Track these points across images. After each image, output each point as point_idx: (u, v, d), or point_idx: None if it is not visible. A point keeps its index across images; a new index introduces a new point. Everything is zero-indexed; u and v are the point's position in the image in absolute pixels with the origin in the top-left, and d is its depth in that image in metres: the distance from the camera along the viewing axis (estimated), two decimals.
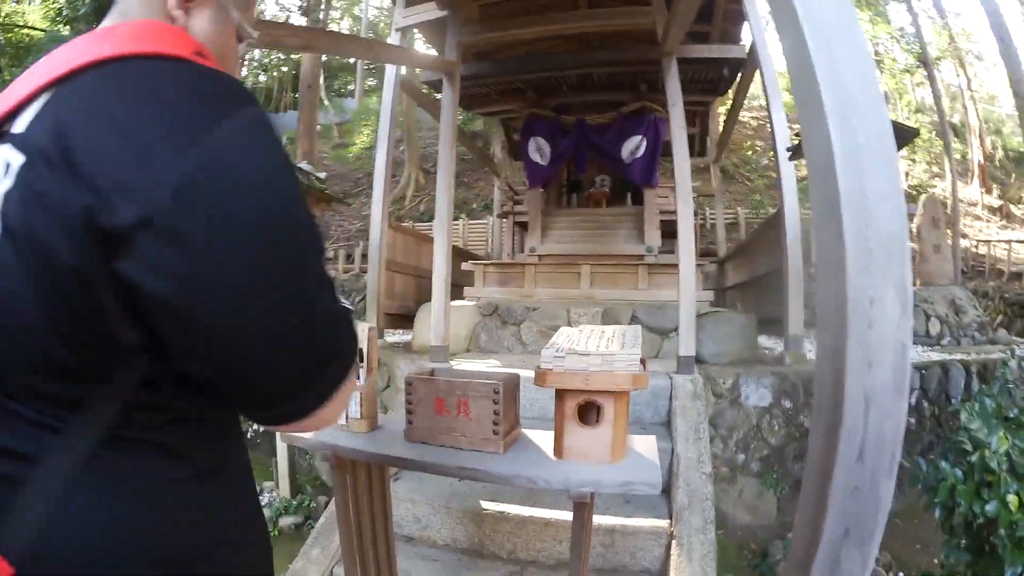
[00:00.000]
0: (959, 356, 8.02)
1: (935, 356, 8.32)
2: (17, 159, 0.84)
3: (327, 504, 5.31)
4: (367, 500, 3.05)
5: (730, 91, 10.71)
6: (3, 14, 23.86)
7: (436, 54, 9.31)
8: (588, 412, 2.36)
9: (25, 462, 0.87)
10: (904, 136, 6.20)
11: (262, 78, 38.70)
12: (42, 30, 23.38)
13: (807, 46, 1.60)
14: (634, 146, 10.11)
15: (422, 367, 3.38)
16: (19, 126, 0.88)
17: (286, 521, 6.24)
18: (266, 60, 35.29)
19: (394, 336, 9.27)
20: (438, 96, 9.43)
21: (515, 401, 2.72)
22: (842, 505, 1.48)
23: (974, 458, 3.85)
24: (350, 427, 2.81)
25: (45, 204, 0.80)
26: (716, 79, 9.83)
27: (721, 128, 13.76)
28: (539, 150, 10.68)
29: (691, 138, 12.45)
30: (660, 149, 10.10)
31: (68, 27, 22.99)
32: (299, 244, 0.90)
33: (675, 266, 6.86)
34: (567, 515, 3.63)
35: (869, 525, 1.49)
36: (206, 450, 1.03)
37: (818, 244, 1.63)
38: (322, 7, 27.75)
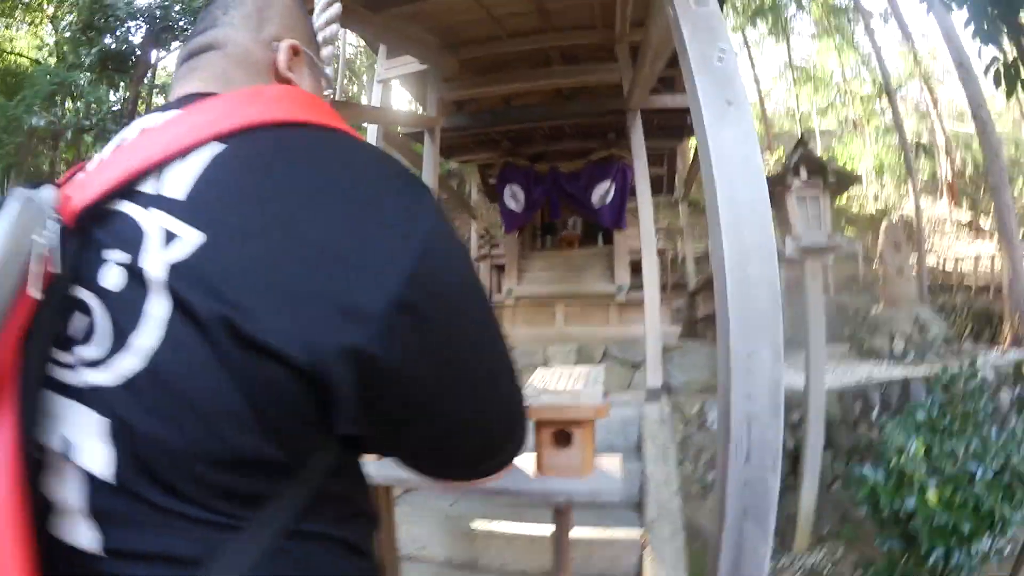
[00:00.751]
0: (922, 372, 8.61)
1: (897, 373, 8.96)
2: (188, 232, 0.72)
3: None
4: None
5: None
6: None
7: (416, 108, 9.91)
8: (561, 438, 2.97)
9: (191, 567, 0.72)
10: (847, 181, 6.82)
11: None
12: (33, 60, 23.72)
13: (713, 174, 2.37)
14: (603, 191, 10.65)
15: None
16: (173, 190, 0.76)
17: None
18: None
19: None
20: (414, 140, 10.08)
21: None
22: (739, 494, 2.20)
23: (894, 463, 4.53)
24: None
25: (251, 285, 0.71)
26: (680, 126, 10.45)
27: (690, 163, 14.35)
28: (514, 197, 11.18)
29: (659, 178, 13.09)
30: (628, 193, 10.57)
31: (57, 60, 23.27)
32: (492, 315, 0.91)
33: (643, 302, 7.48)
34: (549, 530, 4.22)
35: (762, 507, 2.25)
36: (372, 542, 0.95)
37: (717, 316, 2.37)
38: None
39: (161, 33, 18.26)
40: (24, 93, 17.53)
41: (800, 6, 34.60)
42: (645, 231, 7.51)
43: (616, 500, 2.87)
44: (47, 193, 0.76)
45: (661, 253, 11.64)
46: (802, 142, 5.79)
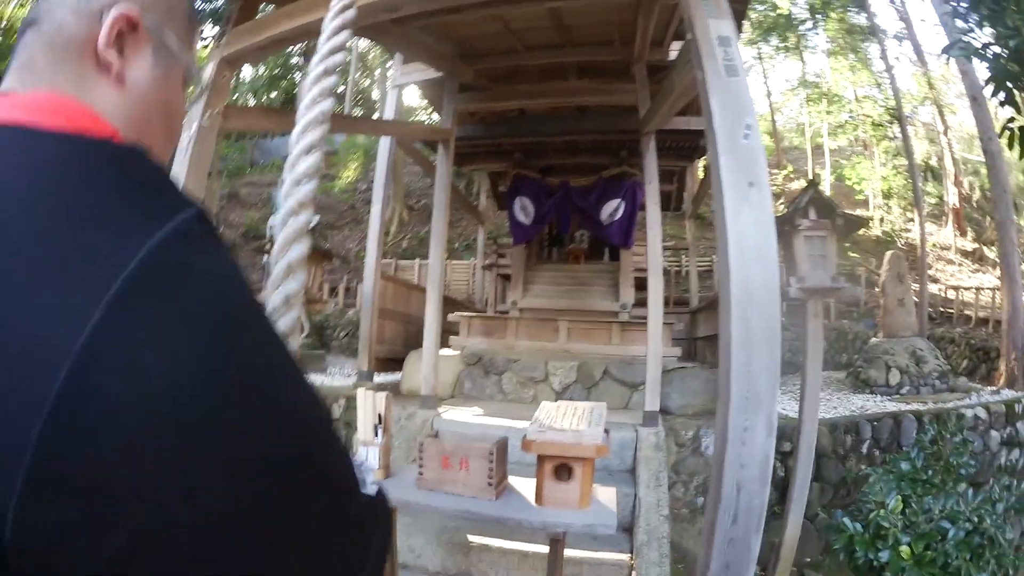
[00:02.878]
0: (914, 406, 8.73)
1: (891, 407, 9.06)
2: None
3: None
4: None
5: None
6: (5, 18, 24.27)
7: (430, 112, 10.03)
8: (562, 471, 3.13)
9: None
10: (854, 224, 6.93)
11: (251, 102, 39.01)
12: None
13: (729, 256, 2.57)
14: (613, 209, 10.75)
15: (424, 421, 4.09)
16: None
17: None
18: (257, 85, 35.67)
19: (380, 377, 9.88)
20: (427, 147, 10.21)
21: (504, 458, 3.48)
22: (723, 550, 2.45)
23: (872, 515, 4.74)
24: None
25: None
26: (693, 147, 10.61)
27: (699, 181, 14.43)
28: (524, 210, 11.27)
29: (668, 195, 13.29)
30: (637, 212, 10.73)
31: None
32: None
33: (645, 323, 7.63)
34: (541, 548, 4.37)
35: (743, 563, 2.46)
36: None
37: (720, 391, 2.58)
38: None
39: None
40: None
41: (815, 23, 34.50)
42: (652, 255, 7.65)
43: (611, 533, 3.03)
44: None
45: (665, 272, 11.72)
46: (812, 184, 5.91)
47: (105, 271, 0.52)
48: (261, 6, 5.85)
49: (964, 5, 6.53)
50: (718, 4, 3.42)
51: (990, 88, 6.62)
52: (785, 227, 5.45)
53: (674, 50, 7.99)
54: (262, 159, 37.27)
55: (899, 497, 4.97)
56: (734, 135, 2.89)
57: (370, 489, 0.75)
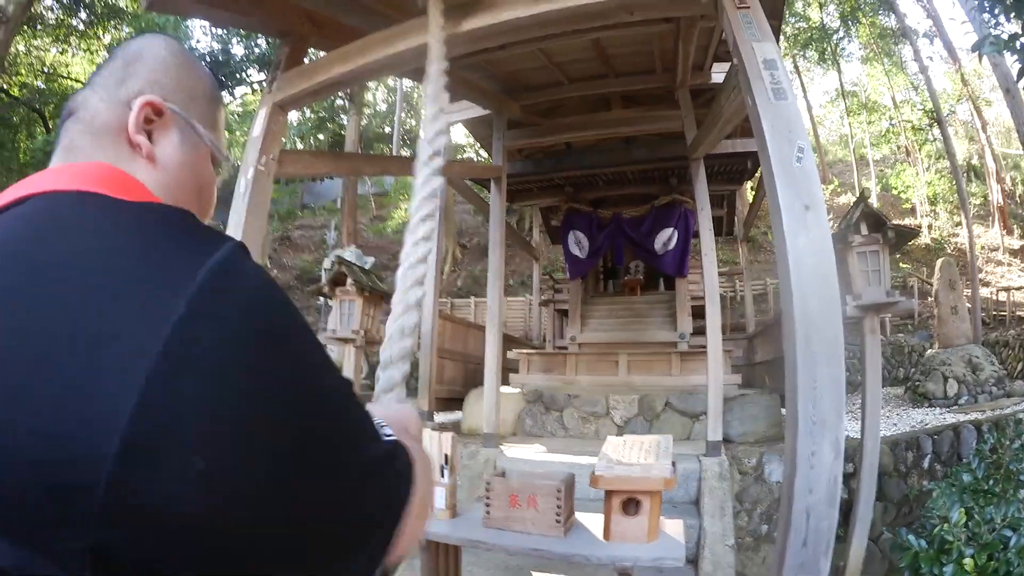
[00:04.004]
0: (972, 415, 8.60)
1: (949, 418, 8.97)
2: None
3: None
4: (444, 572, 3.79)
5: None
6: (47, 63, 24.79)
7: (476, 148, 10.12)
8: (629, 505, 3.11)
9: None
10: (905, 237, 6.85)
11: (299, 145, 39.50)
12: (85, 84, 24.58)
13: (790, 278, 2.58)
14: (666, 238, 10.76)
15: (487, 460, 4.10)
16: None
17: None
18: (305, 129, 36.20)
19: (440, 417, 9.92)
20: (478, 183, 10.29)
21: (572, 495, 3.46)
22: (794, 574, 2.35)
23: (936, 530, 4.69)
24: (436, 516, 3.57)
25: None
26: (740, 170, 10.55)
27: (750, 204, 14.30)
28: (578, 244, 11.34)
29: (719, 220, 13.21)
30: (691, 240, 10.74)
31: None
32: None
33: (704, 352, 7.56)
34: None
35: None
36: None
37: (787, 415, 2.56)
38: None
39: (225, 78, 18.70)
40: None
41: (848, 30, 34.26)
42: (709, 283, 7.62)
43: (679, 566, 2.99)
44: None
45: (720, 299, 11.63)
46: (862, 198, 5.86)
47: (177, 290, 0.60)
48: (309, 50, 5.99)
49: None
50: (761, 27, 3.44)
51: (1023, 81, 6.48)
52: (838, 245, 5.39)
53: (716, 72, 8.02)
54: (313, 202, 37.75)
55: (962, 510, 4.90)
56: (787, 159, 2.92)
57: (389, 439, 0.82)
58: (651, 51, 7.77)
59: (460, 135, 31.34)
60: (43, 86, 24.08)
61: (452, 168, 8.71)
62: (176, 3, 4.97)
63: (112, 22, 23.57)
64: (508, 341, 12.09)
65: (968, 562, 4.52)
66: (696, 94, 8.41)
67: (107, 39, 24.88)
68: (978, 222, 30.94)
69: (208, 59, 19.08)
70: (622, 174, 11.25)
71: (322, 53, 5.65)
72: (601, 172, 11.14)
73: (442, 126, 1.74)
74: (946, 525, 4.86)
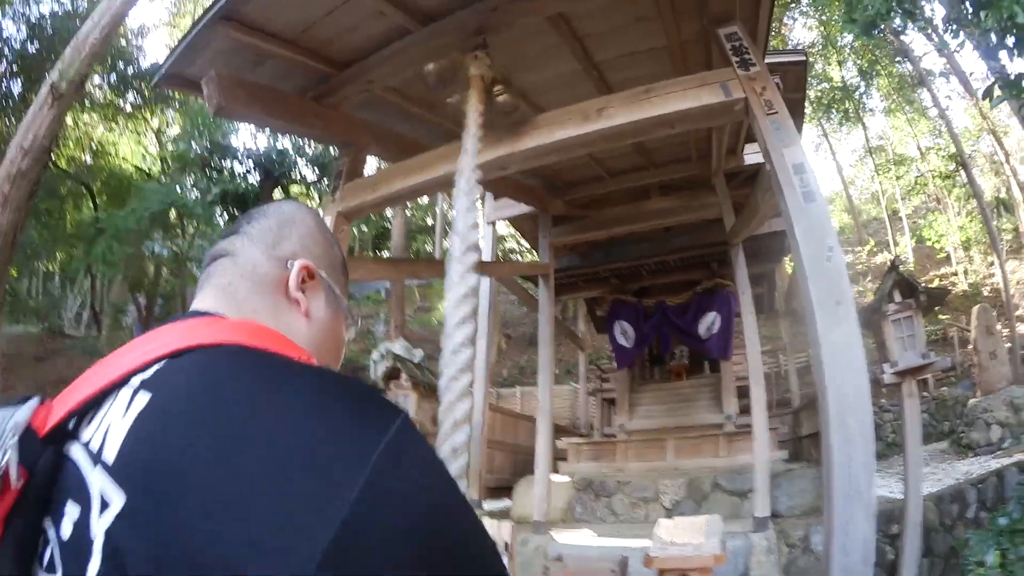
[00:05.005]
0: (1016, 457, 8.65)
1: (993, 464, 9.00)
2: (117, 497, 0.70)
3: None
4: None
5: None
6: (95, 139, 25.34)
7: (522, 245, 10.40)
8: None
9: None
10: (937, 298, 6.97)
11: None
12: (136, 167, 24.91)
13: (824, 369, 2.89)
14: (710, 322, 10.89)
15: (538, 547, 4.30)
16: (109, 449, 0.74)
17: None
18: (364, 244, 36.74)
19: (489, 504, 9.97)
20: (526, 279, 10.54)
21: None
22: None
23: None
24: None
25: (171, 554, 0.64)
26: (779, 248, 10.71)
27: (788, 277, 14.34)
28: (624, 334, 11.52)
29: (760, 297, 13.34)
30: (733, 321, 10.82)
31: (161, 172, 24.12)
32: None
33: (750, 431, 7.76)
34: None
35: None
36: None
37: (824, 490, 2.83)
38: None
39: (277, 177, 19.20)
40: (134, 206, 18.34)
41: (868, 84, 34.26)
42: (752, 364, 7.82)
43: None
44: (21, 413, 0.78)
45: (765, 377, 11.69)
46: (894, 267, 6.05)
47: (363, 450, 0.68)
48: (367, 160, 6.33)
49: (993, 42, 6.42)
50: (789, 132, 3.77)
51: None
52: (873, 315, 5.61)
53: (748, 153, 8.30)
54: (357, 293, 38.26)
55: (997, 552, 5.09)
56: (818, 258, 3.26)
57: None
58: (687, 141, 8.08)
59: (501, 227, 31.91)
60: (90, 161, 24.73)
61: (502, 268, 9.02)
62: (244, 114, 5.27)
63: (159, 106, 24.37)
64: (556, 430, 12.20)
65: None
66: (730, 176, 8.75)
67: (155, 123, 25.76)
68: (1012, 256, 30.10)
69: (261, 159, 19.59)
70: (664, 262, 11.50)
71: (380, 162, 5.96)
72: (644, 262, 11.40)
73: (474, 219, 1.86)
74: (981, 569, 5.02)
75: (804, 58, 8.91)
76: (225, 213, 21.98)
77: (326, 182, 19.88)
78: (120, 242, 18.09)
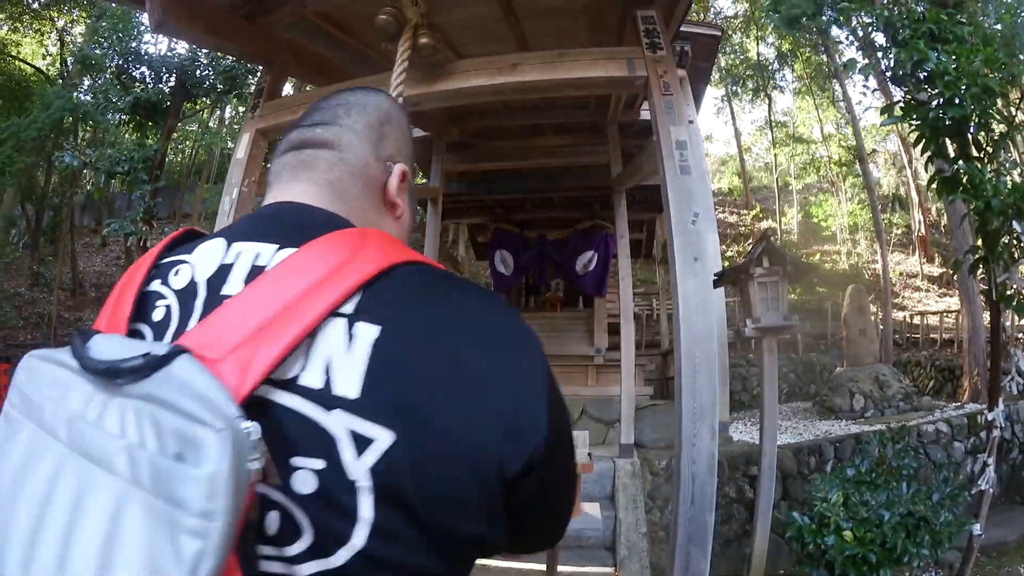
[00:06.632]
0: (877, 427, 9.37)
1: (854, 429, 9.99)
2: (379, 433, 0.70)
3: None
4: None
5: None
6: None
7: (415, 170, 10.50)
8: None
9: None
10: (803, 271, 7.49)
11: None
12: (35, 67, 23.47)
13: (679, 311, 3.49)
14: (587, 260, 11.32)
15: None
16: (345, 387, 0.72)
17: None
18: None
19: None
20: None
21: None
22: (685, 527, 3.29)
23: (817, 508, 5.80)
24: None
25: (445, 470, 0.71)
26: (660, 200, 11.14)
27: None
28: (504, 262, 11.84)
29: (638, 243, 14.08)
30: (610, 263, 11.25)
31: (59, 74, 22.76)
32: None
33: (619, 365, 8.38)
34: (537, 566, 5.12)
35: (702, 536, 3.41)
36: None
37: (675, 404, 3.47)
38: None
39: (191, 87, 18.48)
40: (36, 114, 17.26)
41: (784, 63, 34.84)
42: (624, 303, 8.50)
43: (598, 537, 3.82)
44: (217, 392, 0.67)
45: (637, 317, 12.42)
46: (765, 237, 6.37)
47: (541, 364, 0.86)
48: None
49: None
50: (679, 113, 4.37)
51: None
52: (741, 275, 6.06)
53: (645, 110, 8.44)
54: None
55: (840, 492, 5.96)
56: (684, 222, 3.94)
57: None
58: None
59: None
60: None
61: None
62: (177, 29, 5.24)
63: (66, 6, 23.01)
64: None
65: (847, 534, 5.60)
66: (624, 127, 9.16)
67: (60, 23, 24.28)
68: (900, 250, 32.80)
69: (175, 68, 18.68)
70: (548, 199, 11.81)
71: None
72: (530, 197, 11.68)
73: None
74: (824, 504, 5.91)
75: (719, 34, 9.31)
76: (134, 127, 20.99)
77: (234, 95, 19.16)
78: (20, 151, 17.38)
